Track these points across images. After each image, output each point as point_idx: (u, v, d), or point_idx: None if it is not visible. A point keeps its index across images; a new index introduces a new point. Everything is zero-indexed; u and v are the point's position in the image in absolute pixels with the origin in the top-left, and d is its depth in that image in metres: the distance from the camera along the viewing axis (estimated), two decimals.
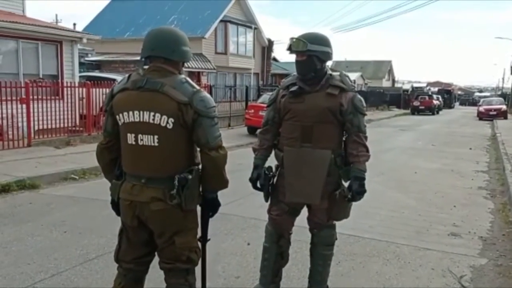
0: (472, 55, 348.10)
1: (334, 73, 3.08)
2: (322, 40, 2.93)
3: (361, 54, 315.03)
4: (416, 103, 35.74)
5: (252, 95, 20.98)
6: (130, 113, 2.29)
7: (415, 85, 62.26)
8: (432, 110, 35.17)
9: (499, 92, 74.39)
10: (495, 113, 29.25)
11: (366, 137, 3.01)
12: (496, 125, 22.18)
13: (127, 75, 2.40)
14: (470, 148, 13.17)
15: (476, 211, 6.11)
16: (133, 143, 2.30)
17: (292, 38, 2.95)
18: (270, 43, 28.34)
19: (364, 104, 3.04)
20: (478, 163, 10.47)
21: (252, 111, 15.08)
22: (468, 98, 78.32)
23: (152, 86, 2.26)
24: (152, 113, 2.25)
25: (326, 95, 2.94)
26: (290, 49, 2.95)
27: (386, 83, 55.98)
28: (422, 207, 6.24)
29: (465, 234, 5.09)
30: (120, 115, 2.32)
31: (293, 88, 3.00)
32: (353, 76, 42.11)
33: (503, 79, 79.21)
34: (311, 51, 2.88)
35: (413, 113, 35.06)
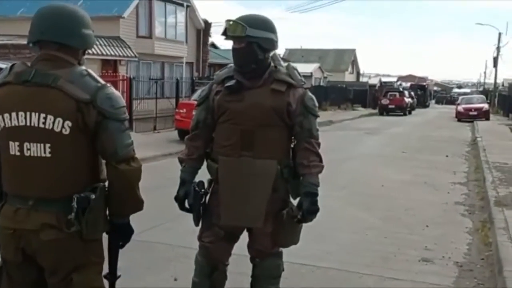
0: (450, 45, 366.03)
1: (282, 64, 3.13)
2: (265, 24, 2.98)
3: (320, 41, 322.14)
4: (384, 101, 37.02)
5: (184, 91, 20.86)
6: (13, 114, 2.21)
7: (384, 79, 64.45)
8: (403, 110, 36.57)
9: (481, 88, 78.70)
10: (475, 113, 30.85)
11: (319, 144, 3.09)
12: (477, 128, 23.40)
13: (9, 64, 2.32)
14: (447, 156, 13.80)
15: (451, 232, 6.40)
16: (17, 154, 2.23)
17: (228, 21, 2.98)
18: (207, 25, 28.38)
19: (316, 104, 3.12)
20: (455, 173, 10.98)
21: (184, 110, 14.99)
22: (445, 95, 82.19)
23: (42, 79, 2.20)
24: (42, 115, 2.19)
25: (270, 92, 2.99)
26: (226, 34, 2.98)
27: (349, 77, 57.55)
28: (389, 228, 6.45)
29: (439, 259, 5.31)
30: None
31: (230, 83, 3.02)
32: (310, 67, 42.93)
33: (485, 73, 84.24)
34: (251, 37, 2.92)
35: (381, 113, 36.32)
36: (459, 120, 31.14)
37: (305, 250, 4.82)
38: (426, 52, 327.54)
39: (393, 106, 36.56)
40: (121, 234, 2.45)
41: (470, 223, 6.90)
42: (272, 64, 3.09)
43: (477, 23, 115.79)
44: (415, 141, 17.92)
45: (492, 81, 55.11)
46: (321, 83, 44.56)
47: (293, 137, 3.10)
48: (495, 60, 49.03)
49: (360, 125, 25.09)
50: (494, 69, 50.45)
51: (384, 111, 36.53)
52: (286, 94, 2.99)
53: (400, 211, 7.36)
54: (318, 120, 3.16)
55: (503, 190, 8.37)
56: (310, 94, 3.09)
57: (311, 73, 41.96)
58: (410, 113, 38.31)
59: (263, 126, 2.97)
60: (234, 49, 3.01)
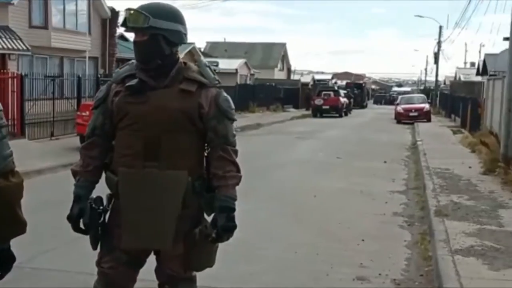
0: (389, 40, 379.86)
1: (202, 59, 3.13)
2: (171, 14, 2.98)
3: (246, 34, 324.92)
4: (318, 102, 37.92)
5: (87, 90, 20.42)
6: None
7: (318, 77, 66.15)
8: (339, 111, 37.63)
9: (422, 87, 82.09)
10: (416, 114, 32.24)
11: (236, 151, 3.10)
12: (417, 130, 24.40)
13: None
14: (385, 161, 14.30)
15: (389, 246, 6.61)
16: None
17: (128, 10, 2.96)
18: (115, 14, 27.93)
19: (233, 106, 3.13)
20: (394, 180, 11.40)
21: (87, 113, 14.64)
22: (384, 94, 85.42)
23: None
24: None
25: (179, 92, 2.98)
26: (126, 25, 2.96)
27: (279, 74, 58.45)
28: (321, 243, 6.58)
29: (375, 277, 5.47)
30: None
31: (131, 82, 2.99)
32: (235, 63, 43.24)
33: (425, 70, 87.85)
34: (155, 28, 2.90)
35: (315, 115, 37.18)
36: (398, 122, 32.37)
37: (226, 271, 4.84)
38: (364, 48, 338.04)
39: (327, 107, 37.56)
40: (0, 262, 2.36)
41: (409, 235, 7.16)
42: (180, 60, 3.07)
43: (416, 15, 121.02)
44: (351, 145, 18.44)
45: (433, 78, 57.65)
46: (248, 81, 44.96)
47: (206, 144, 3.10)
48: (436, 56, 51.36)
49: (291, 128, 25.53)
50: (435, 66, 52.79)
51: (318, 112, 37.43)
52: (197, 95, 2.99)
53: (334, 224, 7.53)
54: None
55: (444, 199, 8.75)
56: (225, 94, 3.10)
57: (236, 69, 42.29)
58: (346, 114, 39.48)
59: (170, 132, 2.95)
60: (135, 43, 2.99)
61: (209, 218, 3.10)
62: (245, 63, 46.78)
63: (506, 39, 13.83)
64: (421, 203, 9.04)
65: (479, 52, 62.85)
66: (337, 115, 37.18)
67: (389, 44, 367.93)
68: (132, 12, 2.92)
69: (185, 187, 2.97)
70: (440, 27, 51.02)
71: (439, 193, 9.28)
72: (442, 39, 51.01)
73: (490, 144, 12.87)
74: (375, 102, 75.62)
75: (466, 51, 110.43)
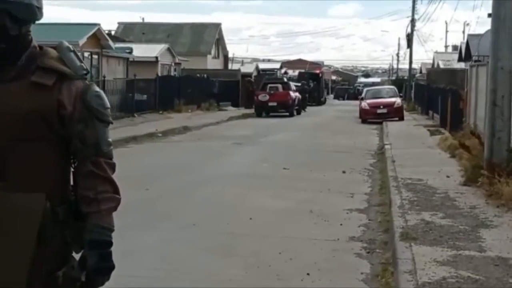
0: (352, 20, 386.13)
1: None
2: None
3: (169, 13, 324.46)
4: (263, 97, 38.03)
5: None
6: None
7: (263, 66, 66.49)
8: (289, 109, 37.91)
9: (394, 77, 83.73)
10: (385, 110, 32.69)
11: (112, 165, 3.01)
12: (386, 131, 24.68)
13: None
14: (344, 171, 14.46)
15: (341, 280, 6.61)
16: None
17: None
18: None
19: (107, 104, 3.03)
20: (353, 196, 11.50)
21: None
22: (347, 87, 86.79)
23: None
24: None
25: (30, 86, 2.87)
26: None
27: (213, 63, 58.52)
28: (254, 280, 6.54)
29: None
30: None
31: None
32: (155, 50, 43.01)
33: (397, 55, 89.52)
34: None
35: (259, 114, 37.37)
36: (364, 121, 32.71)
37: None
38: (321, 28, 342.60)
39: (274, 104, 37.76)
40: None
41: (368, 266, 7.18)
42: (34, 43, 2.94)
43: None
44: (303, 152, 18.61)
45: (407, 66, 58.77)
46: (172, 72, 44.79)
47: (72, 157, 2.99)
48: (409, 38, 52.35)
49: (228, 132, 25.58)
50: (408, 51, 53.84)
51: (263, 110, 37.68)
52: (56, 90, 2.88)
53: (272, 255, 7.49)
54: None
55: (413, 217, 8.81)
56: (96, 89, 2.99)
57: (157, 57, 42.01)
58: (299, 112, 39.78)
59: (19, 141, 2.83)
60: None
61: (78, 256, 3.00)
62: (168, 49, 46.55)
63: (490, 15, 14.04)
64: (385, 223, 9.10)
65: (463, 32, 64.52)
66: (287, 113, 37.45)
67: (353, 24, 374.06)
68: None
69: (41, 215, 2.84)
70: (413, 1, 52.07)
71: (408, 210, 9.36)
72: (416, 16, 52.14)
73: (472, 147, 13.09)
74: (336, 97, 76.75)
75: (447, 31, 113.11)
